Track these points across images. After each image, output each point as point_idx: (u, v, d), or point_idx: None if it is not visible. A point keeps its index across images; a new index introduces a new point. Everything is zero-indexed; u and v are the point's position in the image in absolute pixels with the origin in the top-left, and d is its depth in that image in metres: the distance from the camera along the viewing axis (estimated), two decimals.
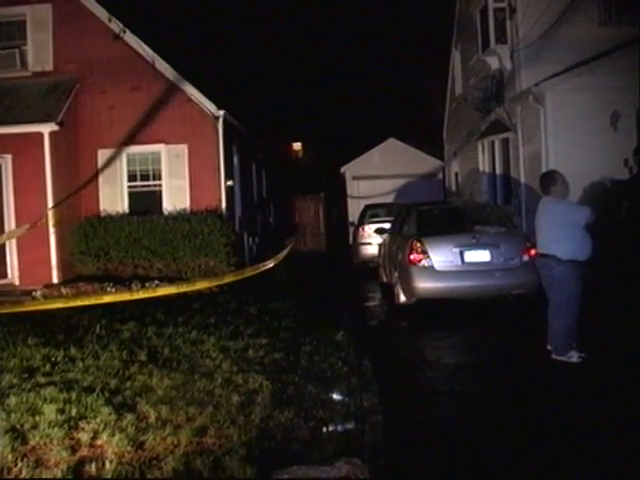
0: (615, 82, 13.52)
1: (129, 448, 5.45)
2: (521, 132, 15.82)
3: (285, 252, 12.60)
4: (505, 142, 17.25)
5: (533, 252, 9.79)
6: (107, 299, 9.34)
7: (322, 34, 32.32)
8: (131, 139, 16.69)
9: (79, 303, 8.70)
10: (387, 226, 15.90)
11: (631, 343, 8.76)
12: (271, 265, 11.15)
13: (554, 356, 8.23)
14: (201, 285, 11.14)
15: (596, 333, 8.94)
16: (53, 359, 8.26)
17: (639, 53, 12.19)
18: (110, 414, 6.14)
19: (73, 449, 5.47)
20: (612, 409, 6.49)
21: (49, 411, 6.22)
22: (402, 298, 12.01)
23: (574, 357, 8.09)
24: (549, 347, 8.34)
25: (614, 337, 9.15)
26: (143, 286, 13.70)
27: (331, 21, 32.34)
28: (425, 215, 13.07)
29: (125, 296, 10.40)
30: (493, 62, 17.16)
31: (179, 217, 16.21)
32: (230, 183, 17.72)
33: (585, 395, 7.04)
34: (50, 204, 15.27)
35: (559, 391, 7.25)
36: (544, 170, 11.91)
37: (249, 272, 11.39)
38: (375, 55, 32.75)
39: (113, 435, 5.66)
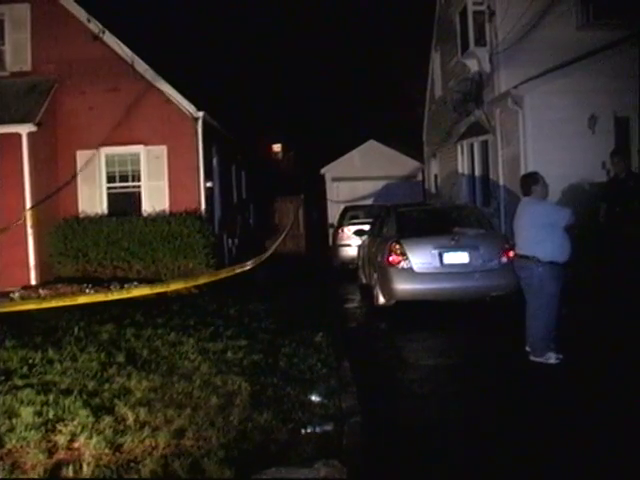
0: (593, 85, 13.66)
1: (107, 450, 5.41)
2: (500, 134, 15.90)
3: (266, 254, 12.59)
4: (484, 144, 17.32)
5: (512, 254, 9.82)
6: (82, 300, 9.27)
7: (303, 36, 32.34)
8: (110, 140, 16.59)
9: (53, 304, 8.65)
10: (366, 228, 15.90)
11: (609, 345, 8.84)
12: (248, 267, 11.13)
13: (532, 357, 8.27)
14: (176, 286, 11.12)
15: (574, 335, 9.00)
16: (30, 361, 8.18)
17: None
18: (88, 416, 6.09)
19: (50, 452, 5.42)
20: (589, 410, 6.55)
21: (26, 414, 6.15)
22: (381, 300, 12.02)
23: (552, 359, 8.13)
24: (527, 349, 8.38)
25: (592, 339, 9.23)
26: (122, 287, 13.62)
27: (312, 23, 32.37)
28: (404, 217, 13.10)
29: (100, 297, 10.33)
30: (472, 64, 17.23)
31: (158, 218, 16.14)
32: (210, 184, 17.66)
33: (563, 396, 7.08)
34: (28, 205, 15.16)
35: (537, 393, 7.28)
36: (523, 172, 11.96)
37: (224, 273, 11.38)
38: (355, 57, 32.81)
39: (91, 437, 5.61)
